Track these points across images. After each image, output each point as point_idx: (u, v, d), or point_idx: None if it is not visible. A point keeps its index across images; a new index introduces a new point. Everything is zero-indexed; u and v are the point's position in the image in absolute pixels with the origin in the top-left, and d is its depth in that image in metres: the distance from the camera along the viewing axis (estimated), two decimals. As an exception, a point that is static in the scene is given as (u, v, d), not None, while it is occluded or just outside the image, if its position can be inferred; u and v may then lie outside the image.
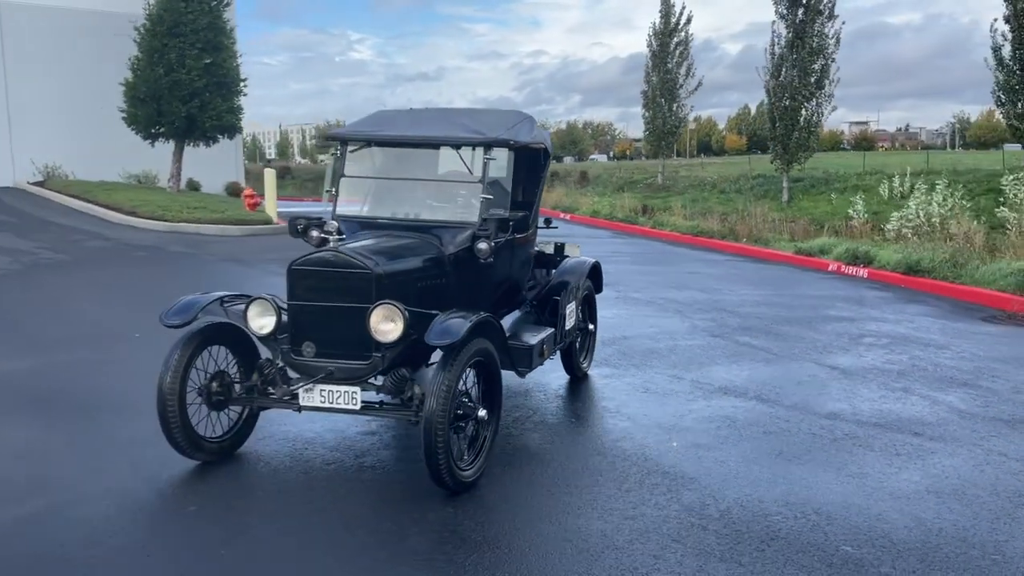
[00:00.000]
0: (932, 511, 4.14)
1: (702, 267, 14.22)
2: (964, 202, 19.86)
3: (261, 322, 4.60)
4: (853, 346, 7.92)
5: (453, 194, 5.49)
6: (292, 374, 4.73)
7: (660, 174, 34.25)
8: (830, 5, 25.99)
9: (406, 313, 4.36)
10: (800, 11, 26.13)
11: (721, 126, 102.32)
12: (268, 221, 17.15)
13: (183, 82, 19.44)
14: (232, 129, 21.05)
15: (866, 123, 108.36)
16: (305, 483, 4.55)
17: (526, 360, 5.25)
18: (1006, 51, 23.44)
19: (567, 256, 6.58)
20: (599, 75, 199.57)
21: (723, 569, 3.54)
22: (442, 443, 4.12)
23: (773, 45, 26.85)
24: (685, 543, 3.79)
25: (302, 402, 4.56)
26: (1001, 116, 24.72)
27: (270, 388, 4.78)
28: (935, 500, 4.28)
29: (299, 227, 5.50)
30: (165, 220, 16.43)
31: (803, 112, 26.52)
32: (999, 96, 23.92)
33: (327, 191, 5.51)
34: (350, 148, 5.51)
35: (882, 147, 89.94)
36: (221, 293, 4.89)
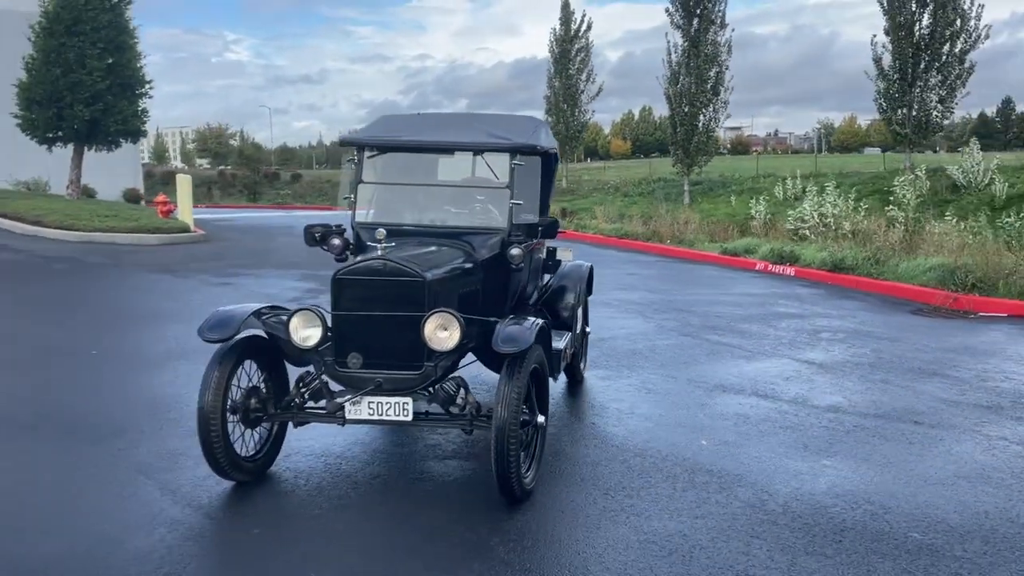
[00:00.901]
0: (970, 495, 4.41)
1: (637, 268, 14.56)
2: (856, 203, 21.05)
3: (306, 333, 4.44)
4: (816, 341, 8.31)
5: (479, 200, 5.45)
6: (335, 386, 4.60)
7: (564, 178, 34.82)
8: (721, 15, 27.14)
9: (462, 321, 4.31)
10: (695, 21, 27.16)
11: (607, 131, 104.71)
12: (185, 229, 16.43)
13: (84, 83, 18.34)
14: (137, 133, 20.04)
15: (739, 128, 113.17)
16: (360, 498, 4.43)
17: (557, 365, 5.27)
18: (886, 61, 25.11)
19: (559, 260, 6.63)
20: (486, 80, 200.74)
21: (813, 563, 3.67)
22: (515, 452, 4.10)
23: (669, 54, 27.81)
24: (765, 539, 3.90)
25: (348, 415, 4.43)
26: (883, 121, 26.42)
27: (311, 402, 4.63)
28: (967, 484, 4.56)
29: (316, 235, 5.35)
30: (76, 230, 15.49)
31: (701, 118, 27.59)
32: (880, 103, 25.61)
33: (345, 198, 5.37)
34: (367, 154, 5.39)
35: (755, 151, 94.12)
36: (256, 305, 4.69)
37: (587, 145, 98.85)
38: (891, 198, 21.30)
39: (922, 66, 24.38)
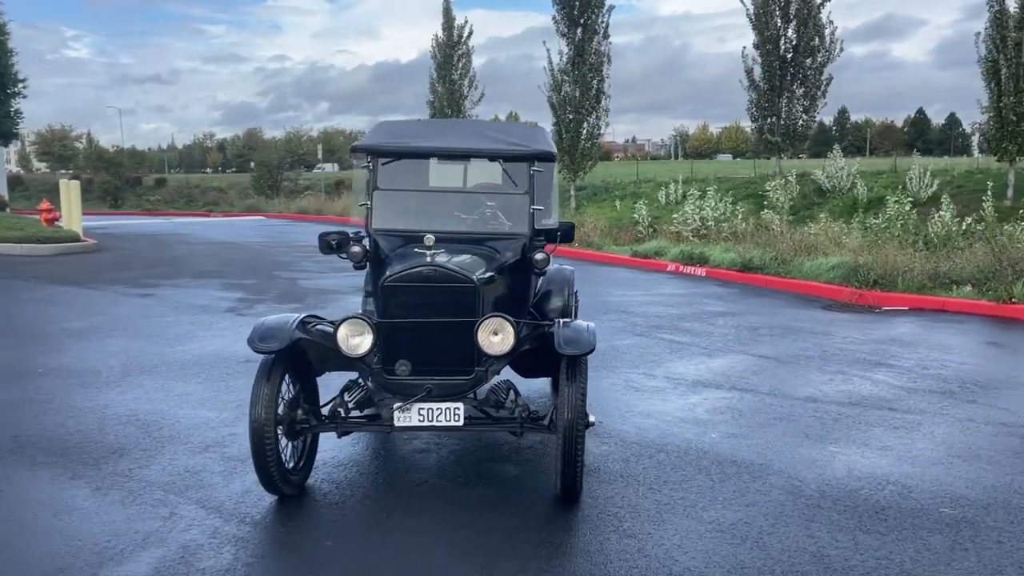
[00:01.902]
0: (973, 472, 4.86)
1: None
2: (734, 206, 22.22)
3: (355, 342, 4.37)
4: (758, 337, 8.81)
5: (489, 205, 5.50)
6: (380, 394, 4.57)
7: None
8: (604, 25, 27.97)
9: (515, 325, 4.39)
10: (579, 30, 27.86)
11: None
12: (75, 238, 15.45)
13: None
14: (9, 135, 18.60)
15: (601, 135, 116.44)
16: (412, 503, 4.41)
17: None
18: (756, 73, 26.62)
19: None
20: (347, 83, 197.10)
21: (872, 540, 3.97)
22: (581, 452, 4.21)
23: (551, 61, 28.40)
24: (820, 522, 4.18)
25: (397, 422, 4.41)
26: (753, 129, 27.98)
27: (357, 411, 4.57)
28: (964, 463, 5.02)
29: (332, 243, 5.27)
30: (-46, 240, 14.26)
31: (586, 125, 28.34)
32: (752, 112, 27.13)
33: (361, 204, 5.30)
34: (382, 161, 5.34)
35: (617, 157, 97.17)
36: (296, 315, 4.57)
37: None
38: (765, 202, 22.66)
39: (788, 78, 26.00)
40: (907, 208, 16.16)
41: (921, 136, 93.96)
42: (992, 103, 21.94)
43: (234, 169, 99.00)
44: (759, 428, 5.68)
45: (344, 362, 4.54)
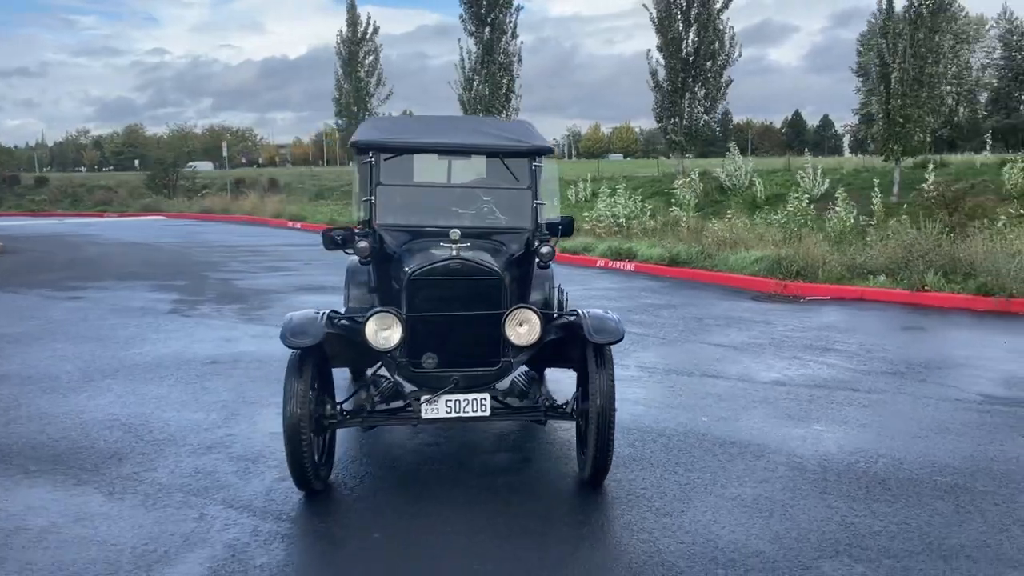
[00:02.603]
0: (949, 443, 5.27)
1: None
2: (643, 204, 22.86)
3: (384, 335, 4.38)
4: (706, 327, 9.18)
5: (500, 200, 5.58)
6: (407, 387, 4.61)
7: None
8: (513, 25, 28.25)
9: (542, 316, 4.50)
10: (487, 29, 28.04)
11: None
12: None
13: None
14: None
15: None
16: (445, 492, 4.47)
17: None
18: (661, 75, 27.46)
19: None
20: (232, 78, 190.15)
21: (885, 507, 4.28)
22: (613, 438, 4.37)
23: (463, 60, 28.48)
24: (833, 494, 4.46)
25: (424, 415, 4.45)
26: (658, 128, 28.87)
27: (383, 405, 4.58)
28: (939, 436, 5.43)
29: (336, 239, 5.25)
30: None
31: (496, 124, 28.53)
32: (658, 113, 27.98)
33: (364, 200, 5.28)
34: (384, 157, 5.33)
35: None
36: (318, 310, 4.54)
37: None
38: (672, 199, 23.42)
39: (690, 80, 26.94)
40: (805, 204, 17.09)
41: (798, 136, 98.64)
42: (881, 106, 23.34)
43: (112, 167, 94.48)
44: (743, 411, 5.97)
45: (369, 357, 4.55)
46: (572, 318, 4.67)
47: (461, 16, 28.19)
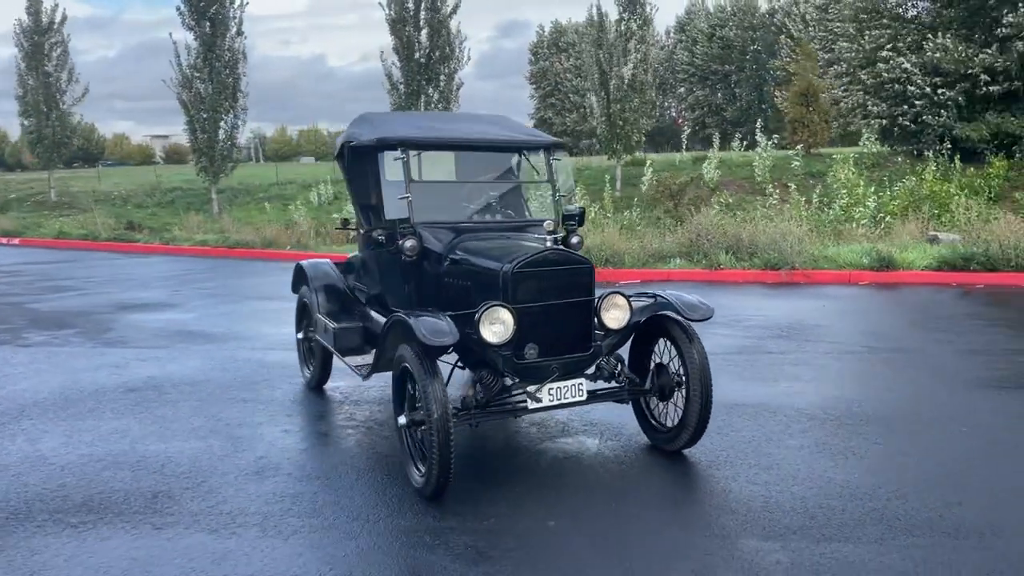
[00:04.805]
0: (885, 387, 6.34)
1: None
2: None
3: (497, 328, 4.39)
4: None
5: (522, 194, 5.67)
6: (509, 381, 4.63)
7: (53, 189, 30.32)
8: (238, 21, 26.91)
9: (629, 300, 4.79)
10: (207, 24, 26.44)
11: (14, 138, 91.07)
12: None
13: None
14: None
15: (167, 136, 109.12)
16: (556, 480, 4.61)
17: None
18: (396, 75, 27.79)
19: None
20: None
21: (900, 440, 5.15)
22: (711, 402, 4.76)
23: (178, 56, 26.61)
24: (857, 435, 5.25)
25: (531, 405, 4.55)
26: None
27: (489, 400, 4.57)
28: (875, 382, 6.51)
29: (380, 239, 5.14)
30: None
31: (223, 124, 27.01)
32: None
33: (401, 198, 5.13)
34: (412, 153, 5.23)
35: (191, 159, 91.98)
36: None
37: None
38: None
39: (424, 82, 27.58)
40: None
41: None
42: (603, 110, 25.73)
43: None
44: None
45: (467, 354, 4.57)
46: (651, 300, 4.97)
47: (179, 8, 26.34)
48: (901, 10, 24.97)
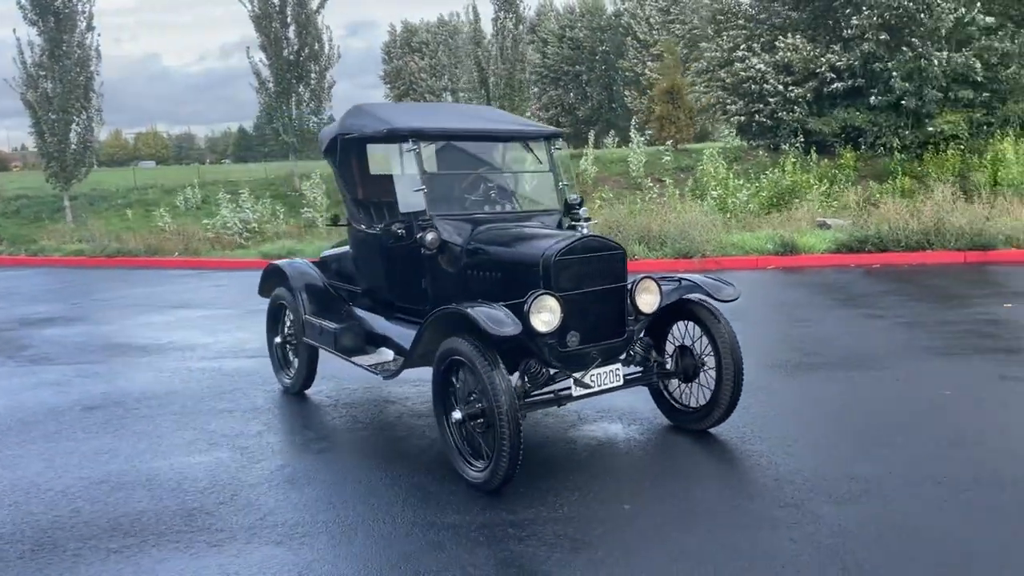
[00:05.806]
0: (900, 360, 6.74)
1: (210, 281, 13.55)
2: (274, 209, 22.56)
3: (546, 317, 4.35)
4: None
5: (527, 184, 5.62)
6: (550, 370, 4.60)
7: None
8: (88, 16, 25.16)
9: (661, 285, 4.87)
10: (52, 19, 24.59)
11: None
12: None
13: None
14: None
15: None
16: (603, 463, 4.63)
17: None
18: (265, 74, 26.83)
19: None
20: None
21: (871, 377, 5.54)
22: (743, 379, 4.90)
23: (22, 54, 24.65)
24: (871, 395, 5.57)
25: (575, 393, 4.56)
26: (271, 130, 28.16)
27: (535, 390, 4.53)
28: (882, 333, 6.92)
29: (400, 232, 5.00)
30: None
31: (75, 126, 25.21)
32: (268, 114, 27.28)
33: (417, 191, 4.99)
34: (414, 146, 5.09)
35: (15, 167, 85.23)
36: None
37: None
38: (304, 201, 23.37)
39: (295, 81, 26.78)
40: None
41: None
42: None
43: None
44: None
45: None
46: (676, 284, 5.05)
47: (20, 3, 24.30)
48: (754, 11, 26.44)
